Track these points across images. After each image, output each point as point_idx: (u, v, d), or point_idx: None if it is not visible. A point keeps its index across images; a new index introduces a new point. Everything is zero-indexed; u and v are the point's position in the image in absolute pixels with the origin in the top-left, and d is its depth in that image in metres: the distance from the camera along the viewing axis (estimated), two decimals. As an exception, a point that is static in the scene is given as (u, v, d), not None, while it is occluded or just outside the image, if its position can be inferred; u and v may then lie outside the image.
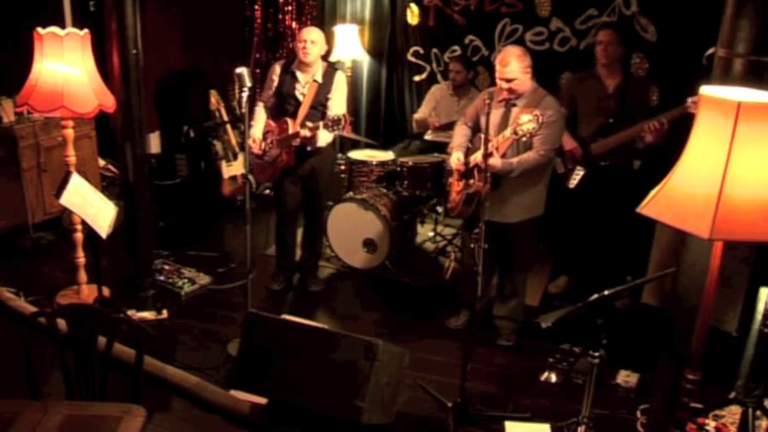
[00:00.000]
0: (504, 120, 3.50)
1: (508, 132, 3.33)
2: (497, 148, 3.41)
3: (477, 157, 3.47)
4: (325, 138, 4.04)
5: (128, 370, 2.54)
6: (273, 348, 2.85)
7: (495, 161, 3.36)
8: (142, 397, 2.44)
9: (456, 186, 3.77)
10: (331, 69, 4.14)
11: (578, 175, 4.07)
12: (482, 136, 3.56)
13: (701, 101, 1.94)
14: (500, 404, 3.33)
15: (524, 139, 3.30)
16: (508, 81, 3.43)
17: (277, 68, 4.15)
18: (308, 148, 4.05)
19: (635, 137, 3.81)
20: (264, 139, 4.15)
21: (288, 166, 4.07)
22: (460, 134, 3.77)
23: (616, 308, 4.08)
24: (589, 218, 4.14)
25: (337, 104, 4.03)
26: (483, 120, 3.61)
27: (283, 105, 4.11)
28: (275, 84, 4.12)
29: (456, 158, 3.69)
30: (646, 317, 4.00)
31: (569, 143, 4.09)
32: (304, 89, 4.06)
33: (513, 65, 3.41)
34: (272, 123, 4.17)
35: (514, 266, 3.79)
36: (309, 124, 3.89)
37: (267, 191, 4.62)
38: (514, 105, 3.50)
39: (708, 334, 2.08)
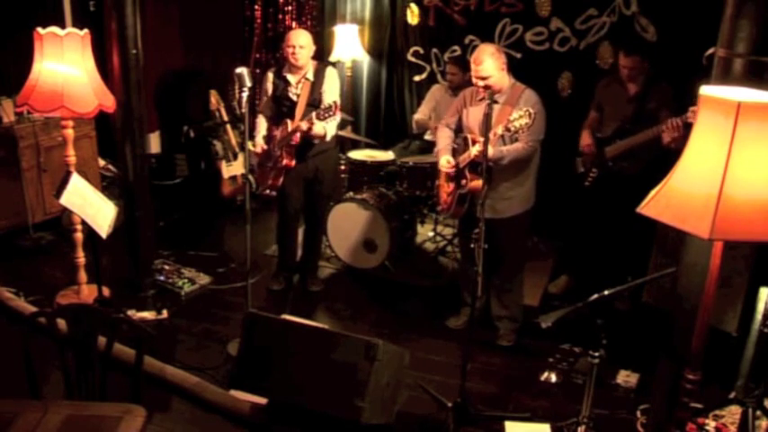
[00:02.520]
0: (488, 116, 3.49)
1: (500, 130, 3.32)
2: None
3: (471, 152, 3.46)
4: (330, 130, 4.04)
5: (128, 370, 2.54)
6: (273, 348, 2.85)
7: (488, 150, 3.37)
8: (142, 397, 2.44)
9: (446, 188, 3.77)
10: (321, 66, 4.16)
11: (593, 175, 4.09)
12: (468, 136, 3.57)
13: (700, 101, 1.94)
14: (500, 404, 3.33)
15: (516, 135, 3.30)
16: (483, 79, 3.43)
17: (270, 76, 4.18)
18: (316, 141, 4.04)
19: (650, 141, 3.77)
20: (268, 144, 4.17)
21: (289, 167, 4.07)
22: (444, 136, 3.77)
23: (616, 309, 4.08)
24: (595, 220, 4.13)
25: (330, 96, 4.04)
26: (464, 118, 3.63)
27: (280, 109, 4.13)
28: (270, 91, 4.16)
29: (446, 161, 3.67)
30: (646, 317, 4.00)
31: (585, 139, 4.09)
32: (297, 89, 4.07)
33: (486, 63, 3.41)
34: (275, 129, 4.18)
35: (509, 263, 3.77)
36: (305, 119, 3.91)
37: (267, 191, 4.63)
38: (495, 102, 3.50)
39: (708, 334, 2.08)
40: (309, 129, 3.88)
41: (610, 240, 4.11)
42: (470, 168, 3.50)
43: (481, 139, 3.44)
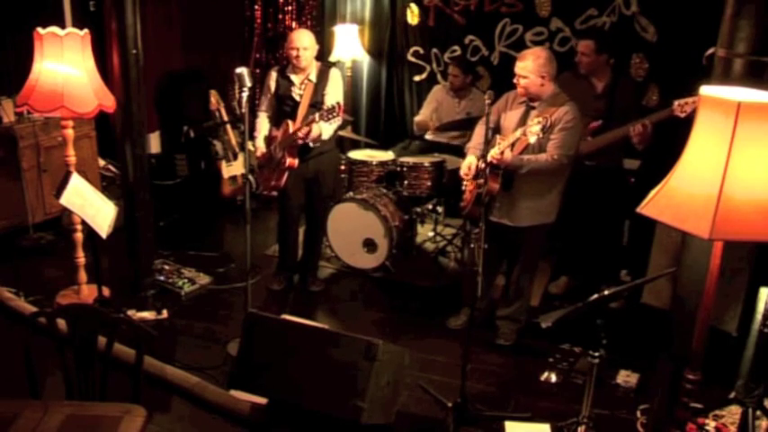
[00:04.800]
0: (522, 121, 3.50)
1: (518, 133, 3.33)
2: (513, 146, 3.41)
3: (492, 154, 3.45)
4: (327, 131, 4.04)
5: (128, 370, 2.54)
6: (273, 348, 2.84)
7: (507, 155, 3.38)
8: (142, 397, 2.44)
9: (470, 185, 3.76)
10: (325, 68, 4.16)
11: None
12: (497, 136, 3.57)
13: (700, 101, 1.94)
14: (500, 404, 3.33)
15: (531, 140, 3.29)
16: (520, 77, 3.44)
17: (273, 74, 4.17)
18: (311, 144, 4.04)
19: (623, 138, 3.80)
20: (269, 145, 4.17)
21: (292, 168, 4.07)
22: (480, 134, 3.74)
23: (610, 308, 4.07)
24: (585, 218, 4.14)
25: (332, 97, 4.05)
26: (501, 120, 3.63)
27: (282, 108, 4.13)
28: (272, 89, 4.15)
29: (467, 165, 3.68)
30: (646, 317, 4.00)
31: None
32: (300, 90, 4.07)
33: (527, 62, 3.42)
34: (275, 130, 4.18)
35: (521, 269, 3.78)
36: (305, 120, 3.92)
37: (269, 192, 4.65)
38: (533, 108, 3.50)
39: (708, 334, 2.08)
40: (309, 131, 3.88)
41: (603, 236, 4.12)
42: (491, 170, 3.46)
43: (500, 143, 3.44)
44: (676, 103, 3.40)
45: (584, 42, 4.01)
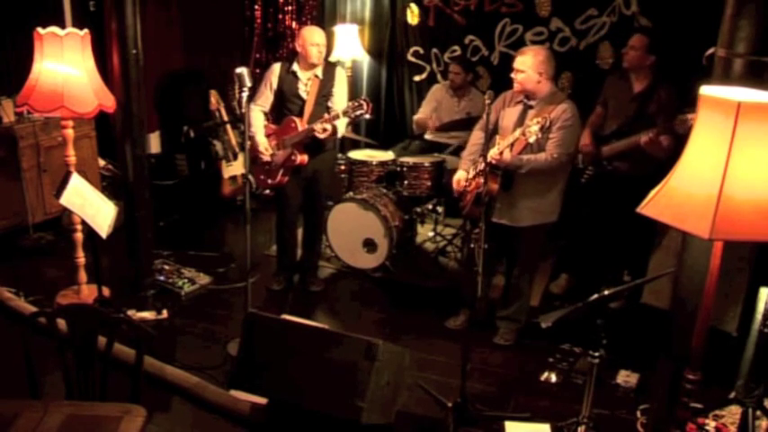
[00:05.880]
0: (520, 120, 3.50)
1: (517, 133, 3.33)
2: (512, 146, 3.41)
3: (491, 154, 3.44)
4: (342, 126, 4.08)
5: (128, 370, 2.54)
6: (273, 348, 2.84)
7: (506, 155, 3.38)
8: (142, 397, 2.44)
9: (470, 186, 3.76)
10: (329, 65, 4.18)
11: (589, 172, 4.08)
12: (497, 137, 3.57)
13: (700, 101, 1.94)
14: (500, 404, 3.33)
15: (531, 140, 3.29)
16: (517, 72, 3.45)
17: (276, 69, 4.13)
18: (322, 136, 4.03)
19: (635, 146, 3.77)
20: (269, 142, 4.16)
21: (303, 164, 4.06)
22: (473, 143, 3.74)
23: (611, 309, 4.07)
24: (595, 219, 4.13)
25: (341, 98, 4.08)
26: (500, 119, 3.62)
27: (286, 105, 4.11)
28: (275, 85, 4.12)
29: (455, 182, 3.70)
30: (646, 317, 4.00)
31: (584, 139, 4.08)
32: (307, 86, 4.07)
33: (525, 57, 3.43)
34: (273, 126, 4.16)
35: (521, 269, 3.78)
36: (326, 116, 3.91)
37: (267, 191, 4.63)
38: (530, 107, 3.50)
39: (708, 334, 2.08)
40: (335, 129, 3.93)
41: (608, 239, 4.11)
42: (490, 170, 3.43)
43: (499, 143, 3.44)
44: (679, 117, 3.39)
45: (638, 36, 3.94)
